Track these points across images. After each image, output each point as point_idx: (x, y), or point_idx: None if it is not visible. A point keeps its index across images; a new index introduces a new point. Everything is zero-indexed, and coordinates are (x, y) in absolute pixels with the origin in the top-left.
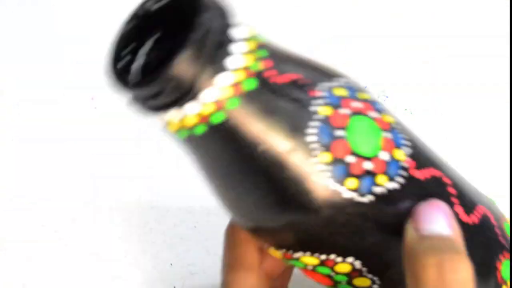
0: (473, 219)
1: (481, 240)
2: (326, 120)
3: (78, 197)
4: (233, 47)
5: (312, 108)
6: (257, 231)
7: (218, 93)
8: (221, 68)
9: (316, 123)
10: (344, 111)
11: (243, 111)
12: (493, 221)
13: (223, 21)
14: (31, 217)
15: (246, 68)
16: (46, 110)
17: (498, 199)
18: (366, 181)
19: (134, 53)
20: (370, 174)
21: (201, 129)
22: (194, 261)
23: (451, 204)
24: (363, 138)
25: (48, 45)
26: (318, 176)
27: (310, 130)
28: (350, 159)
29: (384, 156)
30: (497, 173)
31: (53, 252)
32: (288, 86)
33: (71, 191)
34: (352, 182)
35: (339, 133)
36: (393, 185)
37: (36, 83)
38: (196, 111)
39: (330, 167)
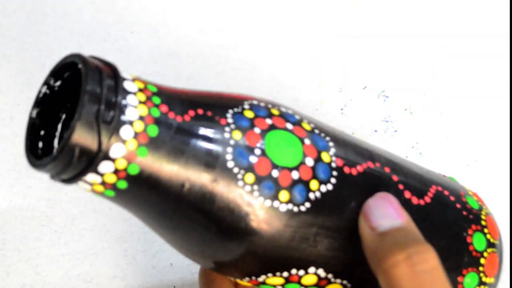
0: (426, 200)
1: (442, 218)
2: (240, 143)
3: (78, 197)
4: (125, 102)
5: (225, 135)
6: (218, 267)
7: (124, 148)
8: (119, 124)
9: (230, 149)
10: (256, 130)
11: (155, 156)
12: (451, 197)
13: (108, 82)
14: (31, 217)
15: (142, 118)
16: None
17: (498, 198)
18: (298, 190)
19: (52, 128)
20: (300, 182)
21: (123, 184)
22: None
23: (398, 192)
24: (283, 150)
25: None
26: (248, 198)
27: (227, 156)
28: (275, 173)
29: (309, 162)
30: (497, 173)
31: (53, 252)
32: (192, 122)
33: (71, 191)
34: (284, 195)
35: (257, 151)
36: (326, 188)
37: None
38: (111, 169)
39: (257, 186)
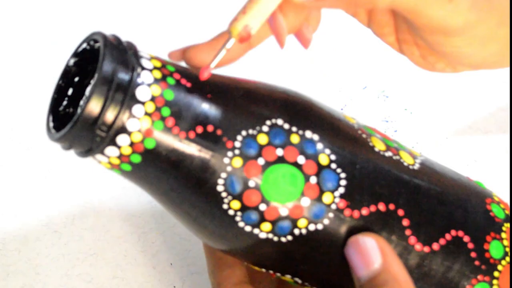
0: (434, 247)
1: (442, 269)
2: (236, 172)
3: (78, 197)
4: (141, 80)
5: (224, 160)
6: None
7: (140, 123)
8: (135, 101)
9: (224, 174)
10: (260, 161)
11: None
12: (469, 244)
13: (125, 58)
14: (31, 217)
15: (154, 106)
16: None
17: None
18: (282, 225)
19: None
20: (287, 219)
21: (137, 158)
22: (194, 261)
23: (402, 237)
24: (279, 188)
25: None
26: (229, 220)
27: (218, 181)
28: (263, 207)
29: (304, 202)
30: (497, 173)
31: (53, 252)
32: (196, 138)
33: (71, 191)
34: (267, 226)
35: (251, 183)
36: (316, 227)
37: None
38: (127, 142)
39: (240, 213)
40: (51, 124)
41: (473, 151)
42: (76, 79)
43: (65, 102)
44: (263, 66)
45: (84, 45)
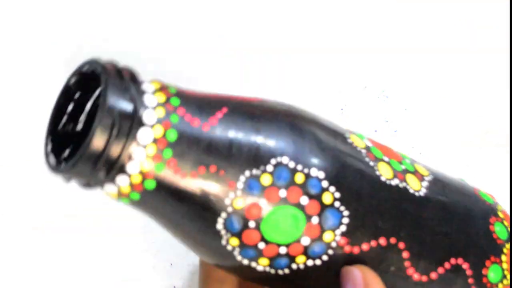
0: (432, 276)
1: None
2: (237, 212)
3: (78, 197)
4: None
5: (226, 201)
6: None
7: (140, 166)
8: (136, 144)
9: (225, 214)
10: (262, 202)
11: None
12: (468, 271)
13: (128, 86)
14: (31, 217)
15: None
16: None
17: (498, 199)
18: (281, 261)
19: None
20: (286, 256)
21: (136, 196)
22: (194, 261)
23: (400, 268)
24: (279, 229)
25: None
26: (228, 254)
27: (218, 219)
28: (262, 245)
29: (304, 241)
30: (497, 173)
31: (53, 252)
32: (199, 177)
33: (71, 191)
34: (265, 261)
35: (251, 224)
36: (314, 263)
37: None
38: (126, 183)
39: (239, 249)
40: (49, 147)
41: (473, 151)
42: (77, 95)
43: (64, 119)
44: (264, 67)
45: (86, 68)
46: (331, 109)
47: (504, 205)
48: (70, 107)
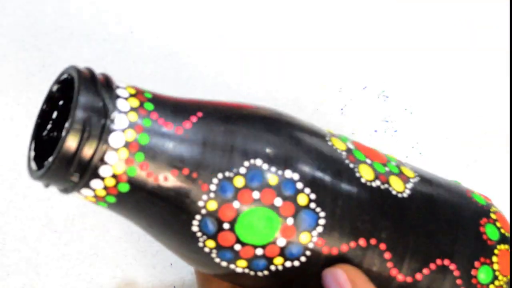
0: (417, 277)
1: None
2: (211, 214)
3: (78, 197)
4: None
5: (199, 203)
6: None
7: (113, 170)
8: (108, 148)
9: (199, 217)
10: (235, 204)
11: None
12: (455, 272)
13: (101, 91)
14: (31, 217)
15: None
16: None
17: (498, 199)
18: (258, 262)
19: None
20: (263, 257)
21: (111, 199)
22: None
23: (383, 269)
24: (254, 231)
25: None
26: (205, 256)
27: (193, 222)
28: (237, 247)
29: (280, 242)
30: (497, 173)
31: (53, 252)
32: (171, 181)
33: None
34: (242, 263)
35: (225, 226)
36: (292, 264)
37: None
38: (100, 186)
39: (216, 251)
40: (32, 154)
41: (473, 151)
42: (61, 102)
43: (49, 126)
44: (261, 66)
45: (65, 75)
46: (331, 109)
47: (503, 205)
48: (54, 115)
